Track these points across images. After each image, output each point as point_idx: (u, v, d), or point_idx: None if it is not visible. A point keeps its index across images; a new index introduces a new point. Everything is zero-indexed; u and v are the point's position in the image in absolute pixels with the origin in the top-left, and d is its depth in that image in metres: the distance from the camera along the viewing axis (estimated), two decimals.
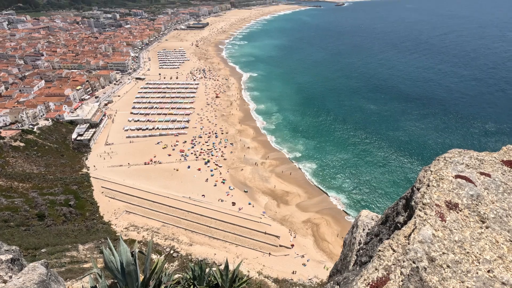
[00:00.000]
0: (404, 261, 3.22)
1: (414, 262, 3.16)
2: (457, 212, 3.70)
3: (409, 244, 3.37)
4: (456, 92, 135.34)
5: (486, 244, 3.45)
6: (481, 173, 4.32)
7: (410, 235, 3.63)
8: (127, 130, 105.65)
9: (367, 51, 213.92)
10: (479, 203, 3.85)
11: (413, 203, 4.34)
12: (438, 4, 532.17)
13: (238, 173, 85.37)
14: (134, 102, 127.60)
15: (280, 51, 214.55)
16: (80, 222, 63.91)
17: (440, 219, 3.58)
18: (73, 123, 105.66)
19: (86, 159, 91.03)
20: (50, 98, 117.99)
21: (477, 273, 3.16)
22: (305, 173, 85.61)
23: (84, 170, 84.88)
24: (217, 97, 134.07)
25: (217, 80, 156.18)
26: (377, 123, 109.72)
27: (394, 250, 3.63)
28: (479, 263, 3.26)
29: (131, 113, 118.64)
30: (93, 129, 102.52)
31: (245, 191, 78.06)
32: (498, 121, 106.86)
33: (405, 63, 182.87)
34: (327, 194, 77.73)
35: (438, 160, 4.71)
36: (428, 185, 4.06)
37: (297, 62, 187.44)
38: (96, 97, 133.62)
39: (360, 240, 8.05)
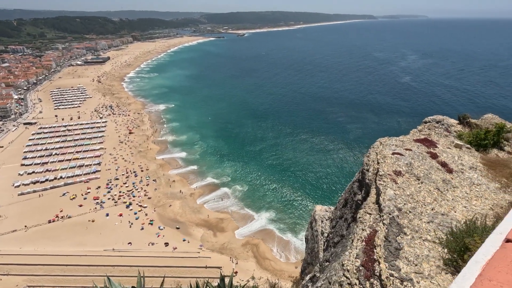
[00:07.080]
0: (383, 215, 4.25)
1: (389, 214, 4.23)
2: (402, 176, 5.08)
3: (382, 203, 4.46)
4: (350, 100, 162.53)
5: (425, 193, 4.86)
6: (406, 149, 5.98)
7: (377, 200, 4.73)
8: (18, 185, 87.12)
9: (266, 73, 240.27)
10: (412, 168, 5.36)
11: (367, 180, 5.54)
12: (322, 34, 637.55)
13: (167, 210, 79.86)
14: (24, 152, 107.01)
15: (191, 81, 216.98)
16: None
17: (394, 183, 4.85)
18: None
19: None
20: None
21: (426, 212, 4.46)
22: (236, 196, 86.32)
23: None
24: (130, 133, 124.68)
25: (128, 115, 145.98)
26: (289, 134, 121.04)
27: (370, 214, 4.65)
28: (425, 205, 4.60)
29: (22, 164, 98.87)
30: None
31: (177, 228, 73.26)
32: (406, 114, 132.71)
33: (299, 81, 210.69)
34: (257, 213, 79.68)
35: (376, 145, 6.22)
36: (378, 162, 5.38)
37: (209, 89, 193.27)
38: None
39: (322, 230, 8.98)
